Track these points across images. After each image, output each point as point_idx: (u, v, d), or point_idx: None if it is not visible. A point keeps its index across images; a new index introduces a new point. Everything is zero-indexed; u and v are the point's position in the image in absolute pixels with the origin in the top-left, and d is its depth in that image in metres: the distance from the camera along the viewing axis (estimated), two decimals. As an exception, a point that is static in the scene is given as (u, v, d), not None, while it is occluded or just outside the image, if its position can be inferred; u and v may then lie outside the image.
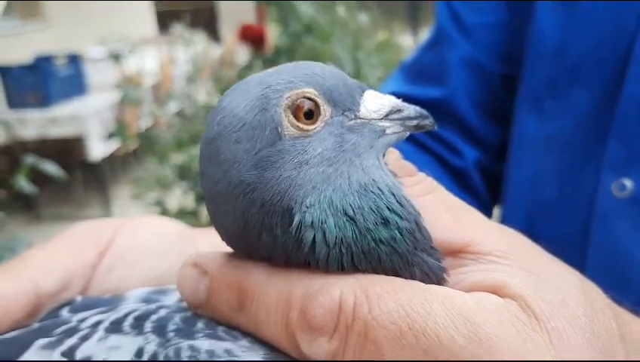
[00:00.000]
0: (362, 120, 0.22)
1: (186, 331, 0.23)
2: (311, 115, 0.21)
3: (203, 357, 0.21)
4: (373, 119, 0.22)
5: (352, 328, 0.20)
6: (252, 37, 1.88)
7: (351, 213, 0.20)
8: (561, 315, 0.21)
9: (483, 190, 0.57)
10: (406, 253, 0.21)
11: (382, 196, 0.21)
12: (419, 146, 0.56)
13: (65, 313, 0.26)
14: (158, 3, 7.05)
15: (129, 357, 0.22)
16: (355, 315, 0.20)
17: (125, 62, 2.20)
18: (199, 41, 3.69)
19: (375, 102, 0.22)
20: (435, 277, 0.22)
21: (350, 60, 1.88)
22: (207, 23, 6.07)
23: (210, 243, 0.32)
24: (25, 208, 3.56)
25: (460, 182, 0.56)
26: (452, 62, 0.55)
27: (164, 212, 1.93)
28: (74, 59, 3.52)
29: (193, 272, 0.24)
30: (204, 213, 1.95)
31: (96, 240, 0.31)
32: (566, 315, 0.21)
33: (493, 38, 0.54)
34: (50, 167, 1.06)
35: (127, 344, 0.23)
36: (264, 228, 0.21)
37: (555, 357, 0.19)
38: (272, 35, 1.98)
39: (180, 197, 2.03)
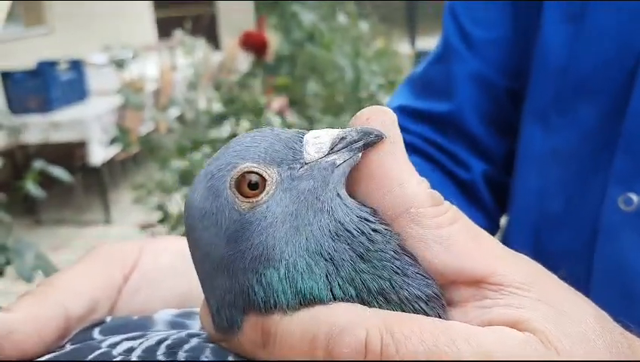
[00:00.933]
0: (309, 164, 0.23)
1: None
2: (257, 185, 0.22)
3: None
4: (317, 159, 0.23)
5: None
6: (253, 44, 1.91)
7: (327, 255, 0.22)
8: (581, 348, 0.22)
9: (490, 202, 0.58)
10: (380, 288, 0.22)
11: (353, 239, 0.22)
12: (427, 159, 0.57)
13: (96, 334, 0.27)
14: (158, 10, 7.09)
15: None
16: (383, 355, 0.21)
17: (127, 68, 2.22)
18: (200, 47, 3.72)
19: (315, 143, 0.23)
20: (425, 300, 0.23)
21: (351, 67, 1.91)
22: (208, 29, 6.11)
23: None
24: (26, 212, 3.57)
25: (467, 195, 0.57)
26: (459, 77, 0.56)
27: (166, 216, 1.95)
28: (76, 65, 3.54)
29: None
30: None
31: (121, 261, 0.31)
32: (587, 348, 0.22)
33: (499, 53, 0.55)
34: (59, 172, 1.08)
35: None
36: (253, 288, 0.22)
37: None
38: (273, 42, 2.01)
39: (181, 202, 2.05)
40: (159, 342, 0.25)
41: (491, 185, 0.58)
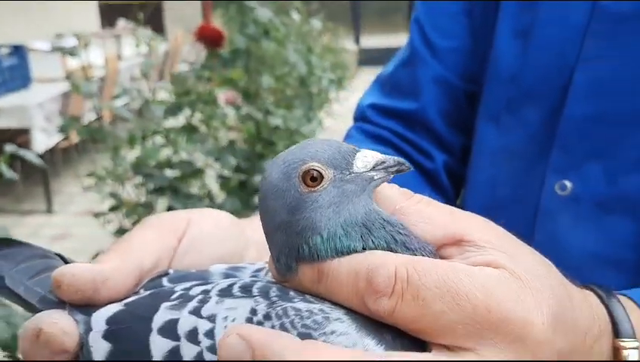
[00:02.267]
0: (355, 173, 0.31)
1: (285, 296, 0.31)
2: (316, 179, 0.30)
3: (305, 314, 0.29)
4: (362, 172, 0.31)
5: (407, 290, 0.28)
6: (209, 37, 1.96)
7: (361, 223, 0.31)
8: (537, 279, 0.30)
9: (448, 188, 0.67)
10: (402, 241, 0.31)
11: (374, 220, 0.31)
12: (396, 151, 0.66)
13: (165, 282, 0.34)
14: (100, -4, 6.93)
15: (246, 314, 0.30)
16: (409, 282, 0.28)
17: (74, 55, 2.22)
18: (146, 36, 3.70)
19: (363, 160, 0.31)
20: (428, 252, 0.31)
21: (303, 63, 1.99)
22: (153, 19, 6.03)
23: (253, 229, 0.40)
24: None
25: (431, 182, 0.66)
26: (424, 80, 0.65)
27: (120, 204, 1.98)
28: (18, 51, 3.46)
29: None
30: (159, 205, 2.01)
31: (174, 228, 0.37)
32: (540, 280, 0.30)
33: (458, 60, 0.64)
34: (31, 155, 1.11)
35: (241, 304, 0.30)
36: (302, 246, 0.31)
37: (539, 309, 0.29)
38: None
39: (133, 190, 2.07)
40: (231, 285, 0.32)
41: (450, 174, 0.67)
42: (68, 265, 0.32)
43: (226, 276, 0.34)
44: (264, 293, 0.31)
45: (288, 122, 1.89)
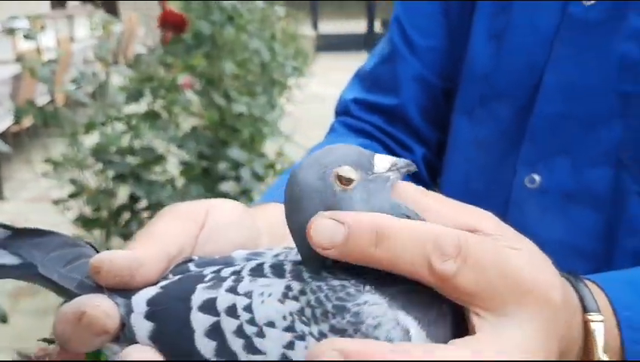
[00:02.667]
0: (376, 174, 0.36)
1: (316, 275, 0.34)
2: (349, 180, 0.35)
3: (338, 288, 0.32)
4: (381, 173, 0.36)
5: (470, 255, 0.32)
6: (172, 23, 1.94)
7: (388, 211, 0.35)
8: (544, 258, 0.35)
9: (427, 179, 0.71)
10: None
11: (398, 211, 0.35)
12: (379, 144, 0.69)
13: (192, 267, 0.36)
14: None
15: (282, 290, 0.32)
16: (470, 248, 0.32)
17: (30, 38, 2.16)
18: (101, 18, 3.61)
19: (381, 163, 0.37)
20: None
21: (267, 50, 2.00)
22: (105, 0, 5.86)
23: (262, 218, 0.43)
24: None
25: (410, 174, 0.71)
26: (403, 77, 0.68)
27: (81, 191, 1.95)
28: (-35, 31, 3.32)
29: (330, 221, 0.33)
30: (121, 192, 1.99)
31: (195, 218, 0.39)
32: (545, 259, 0.35)
33: (436, 59, 0.67)
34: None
35: (275, 283, 0.33)
36: None
37: (556, 277, 0.34)
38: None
39: (93, 176, 2.05)
40: (260, 265, 0.34)
41: (428, 166, 0.71)
42: (105, 251, 0.34)
43: (249, 260, 0.37)
44: (296, 273, 0.34)
45: (252, 109, 1.90)
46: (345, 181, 0.35)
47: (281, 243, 0.40)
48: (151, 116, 1.96)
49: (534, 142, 0.59)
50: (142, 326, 0.32)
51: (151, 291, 0.33)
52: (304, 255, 0.35)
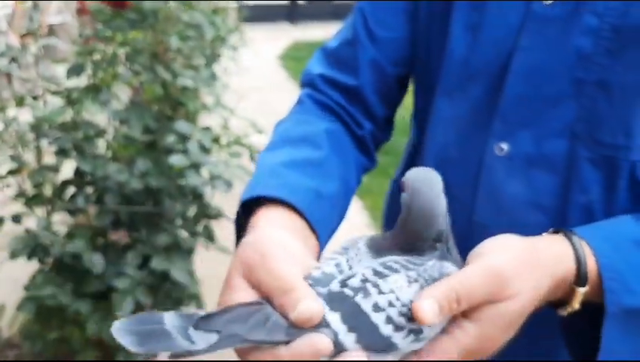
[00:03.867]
0: None
1: (411, 262, 0.52)
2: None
3: (431, 264, 0.51)
4: None
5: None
6: (113, -3, 1.93)
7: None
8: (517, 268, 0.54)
9: (373, 152, 0.84)
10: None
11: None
12: (338, 118, 0.79)
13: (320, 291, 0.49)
14: None
15: (406, 280, 0.49)
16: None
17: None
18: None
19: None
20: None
21: (209, 25, 2.04)
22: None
23: (294, 233, 0.59)
24: None
25: (360, 147, 0.81)
26: (362, 62, 0.78)
27: (22, 167, 1.92)
28: None
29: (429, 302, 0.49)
30: (65, 166, 1.98)
31: (297, 264, 0.53)
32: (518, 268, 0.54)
33: (394, 49, 0.78)
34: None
35: (396, 278, 0.49)
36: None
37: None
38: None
39: (33, 152, 2.01)
40: (372, 271, 0.51)
41: (373, 139, 0.84)
42: (301, 310, 0.46)
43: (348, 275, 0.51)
44: (401, 264, 0.50)
45: (197, 82, 1.94)
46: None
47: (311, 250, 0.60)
48: (92, 90, 1.95)
49: (503, 117, 0.69)
50: (349, 339, 0.46)
51: (335, 317, 0.47)
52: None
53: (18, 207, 1.98)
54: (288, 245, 0.54)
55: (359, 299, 0.47)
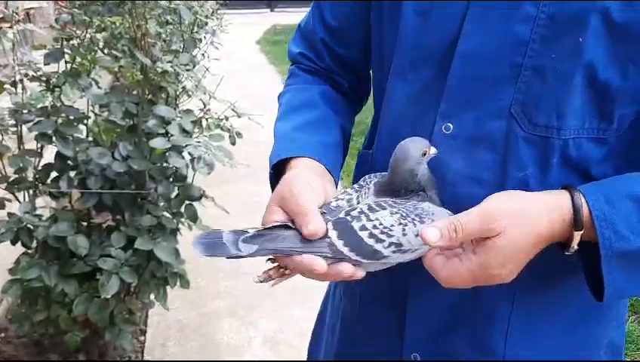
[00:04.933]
0: (425, 157, 0.73)
1: (400, 202, 0.72)
2: (425, 153, 0.69)
3: (412, 205, 0.72)
4: (426, 156, 0.74)
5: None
6: (90, -19, 1.94)
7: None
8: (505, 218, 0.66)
9: (360, 100, 1.02)
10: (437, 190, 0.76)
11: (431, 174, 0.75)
12: (324, 80, 0.97)
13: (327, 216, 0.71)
14: None
15: (390, 214, 0.69)
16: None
17: None
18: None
19: (427, 152, 0.74)
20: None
21: (187, 10, 2.06)
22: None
23: (317, 173, 0.81)
24: None
25: (347, 97, 0.98)
26: (321, 47, 0.95)
27: (4, 152, 1.94)
28: None
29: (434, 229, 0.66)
30: (47, 151, 1.99)
31: (310, 189, 0.74)
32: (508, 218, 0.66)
33: (343, 36, 0.93)
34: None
35: (384, 213, 0.70)
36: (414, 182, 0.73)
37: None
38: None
39: (14, 137, 2.03)
40: (367, 206, 0.73)
41: (358, 91, 1.00)
42: (310, 228, 0.68)
43: (351, 205, 0.74)
44: (388, 204, 0.70)
45: (176, 67, 1.96)
46: (423, 155, 0.71)
47: (331, 187, 0.79)
48: (72, 75, 1.97)
49: (448, 98, 0.75)
50: (345, 249, 0.67)
51: (334, 234, 0.69)
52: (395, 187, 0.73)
53: (0, 192, 2.00)
54: (311, 181, 0.74)
55: (354, 223, 0.69)
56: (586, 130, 0.72)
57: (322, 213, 0.70)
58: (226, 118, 2.06)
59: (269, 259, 0.72)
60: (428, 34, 0.76)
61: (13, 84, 2.05)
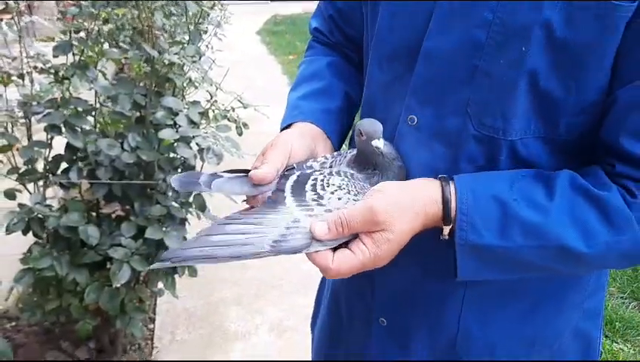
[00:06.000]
0: (380, 142, 0.79)
1: (352, 176, 0.80)
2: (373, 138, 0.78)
3: (361, 178, 0.79)
4: (382, 144, 0.80)
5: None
6: (96, -27, 1.96)
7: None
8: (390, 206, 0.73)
9: (359, 68, 1.04)
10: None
11: (387, 157, 0.82)
12: (337, 52, 1.04)
13: (295, 171, 0.80)
14: None
15: (340, 181, 0.77)
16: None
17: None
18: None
19: (381, 139, 0.79)
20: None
21: (192, 2, 2.08)
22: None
23: (310, 135, 0.90)
24: None
25: (358, 68, 1.03)
26: (335, 29, 1.03)
27: (14, 143, 1.96)
28: None
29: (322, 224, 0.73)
30: (56, 143, 2.02)
31: (285, 145, 0.81)
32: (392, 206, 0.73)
33: (347, 17, 1.01)
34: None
35: (337, 180, 0.78)
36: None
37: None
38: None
39: (23, 129, 2.05)
40: (330, 173, 0.80)
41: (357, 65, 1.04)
42: (256, 171, 0.76)
43: (322, 167, 0.82)
44: (345, 175, 0.76)
45: (182, 59, 1.99)
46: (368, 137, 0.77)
47: (324, 149, 0.85)
48: (79, 67, 1.99)
49: (414, 93, 0.80)
50: (289, 194, 0.75)
51: (289, 184, 0.77)
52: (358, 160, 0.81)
53: (10, 183, 2.03)
54: (292, 141, 0.83)
55: (308, 180, 0.77)
56: (532, 131, 0.76)
57: (292, 168, 0.81)
58: (233, 109, 2.09)
59: (244, 201, 0.83)
60: (398, 33, 0.82)
61: (21, 76, 2.08)
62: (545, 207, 0.71)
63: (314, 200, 0.74)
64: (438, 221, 0.74)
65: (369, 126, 0.77)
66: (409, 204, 0.73)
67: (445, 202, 0.73)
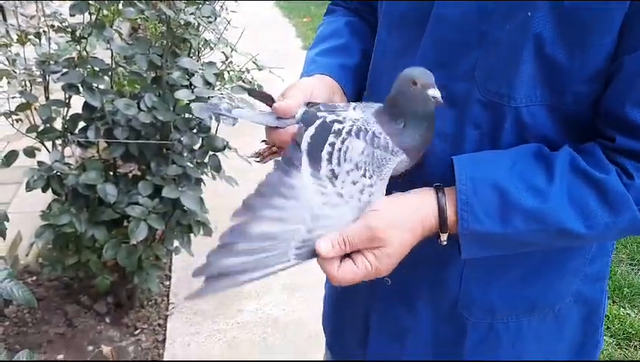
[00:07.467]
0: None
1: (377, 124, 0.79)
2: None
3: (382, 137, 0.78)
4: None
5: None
6: None
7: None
8: (390, 223, 0.75)
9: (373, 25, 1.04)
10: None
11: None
12: (355, 14, 1.06)
13: (321, 108, 0.81)
14: None
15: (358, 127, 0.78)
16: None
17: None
18: None
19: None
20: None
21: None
22: None
23: (329, 85, 0.92)
24: None
25: (369, 27, 1.05)
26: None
27: (33, 101, 1.99)
28: None
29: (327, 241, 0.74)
30: (75, 102, 2.05)
31: (307, 88, 0.83)
32: (391, 223, 0.75)
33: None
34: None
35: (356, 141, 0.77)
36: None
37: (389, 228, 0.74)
38: None
39: (40, 88, 2.07)
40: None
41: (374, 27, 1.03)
42: (280, 103, 0.82)
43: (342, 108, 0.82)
44: (365, 133, 0.77)
45: (198, 19, 1.99)
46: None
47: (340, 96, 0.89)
48: (97, 27, 2.00)
49: (423, 57, 0.81)
50: (306, 140, 0.77)
51: (309, 131, 0.78)
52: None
53: (29, 142, 2.07)
54: (313, 85, 0.87)
55: (329, 136, 0.76)
56: (537, 98, 0.75)
57: (318, 103, 0.82)
58: (248, 71, 2.09)
59: (262, 141, 0.85)
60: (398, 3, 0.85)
61: (38, 34, 2.09)
62: (545, 192, 0.72)
63: (328, 177, 0.74)
64: (437, 231, 0.77)
65: (424, 74, 0.74)
66: (406, 220, 0.75)
67: (441, 211, 0.76)
